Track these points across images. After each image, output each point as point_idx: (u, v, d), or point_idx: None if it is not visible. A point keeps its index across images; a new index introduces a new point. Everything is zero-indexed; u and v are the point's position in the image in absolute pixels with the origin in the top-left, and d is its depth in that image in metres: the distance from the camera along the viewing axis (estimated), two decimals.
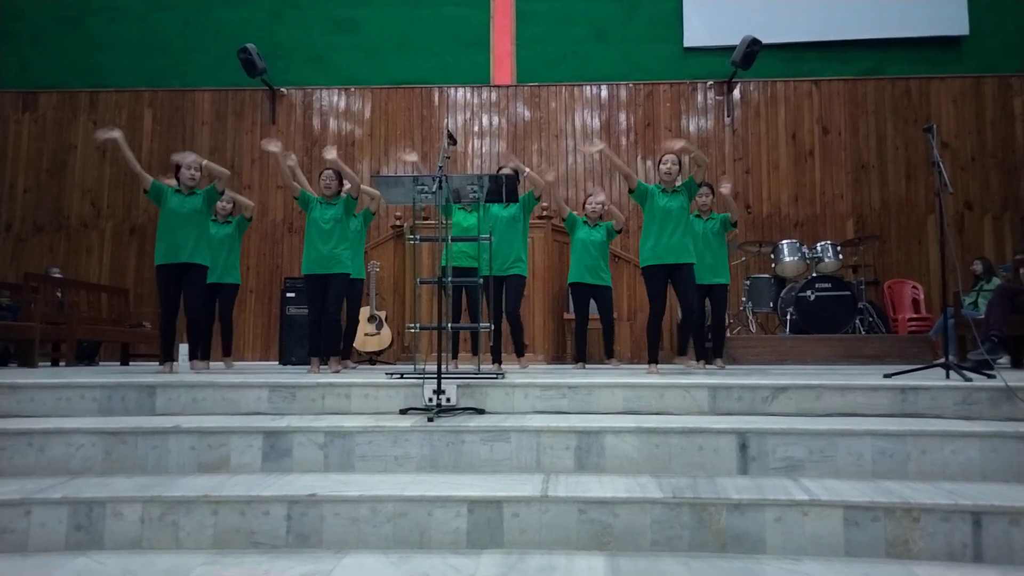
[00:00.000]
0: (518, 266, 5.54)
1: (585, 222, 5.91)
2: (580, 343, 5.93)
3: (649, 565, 2.62)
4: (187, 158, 5.19)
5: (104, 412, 3.72)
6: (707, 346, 5.84)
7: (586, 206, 5.95)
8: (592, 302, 5.96)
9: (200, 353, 5.38)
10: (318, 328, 5.14)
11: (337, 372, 4.93)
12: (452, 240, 4.21)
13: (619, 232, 6.04)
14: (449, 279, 3.99)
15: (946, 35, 9.44)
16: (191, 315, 5.14)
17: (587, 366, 5.91)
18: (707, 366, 5.62)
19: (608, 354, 6.06)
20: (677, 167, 5.11)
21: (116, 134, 5.02)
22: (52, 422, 3.47)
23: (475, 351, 5.39)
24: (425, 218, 7.59)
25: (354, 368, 5.79)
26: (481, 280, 4.27)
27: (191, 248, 5.05)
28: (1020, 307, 4.91)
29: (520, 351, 5.70)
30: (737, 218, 5.86)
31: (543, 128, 9.72)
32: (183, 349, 5.09)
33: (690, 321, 5.15)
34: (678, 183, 5.10)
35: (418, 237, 4.03)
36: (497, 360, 5.40)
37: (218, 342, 6.14)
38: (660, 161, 5.15)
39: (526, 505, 2.80)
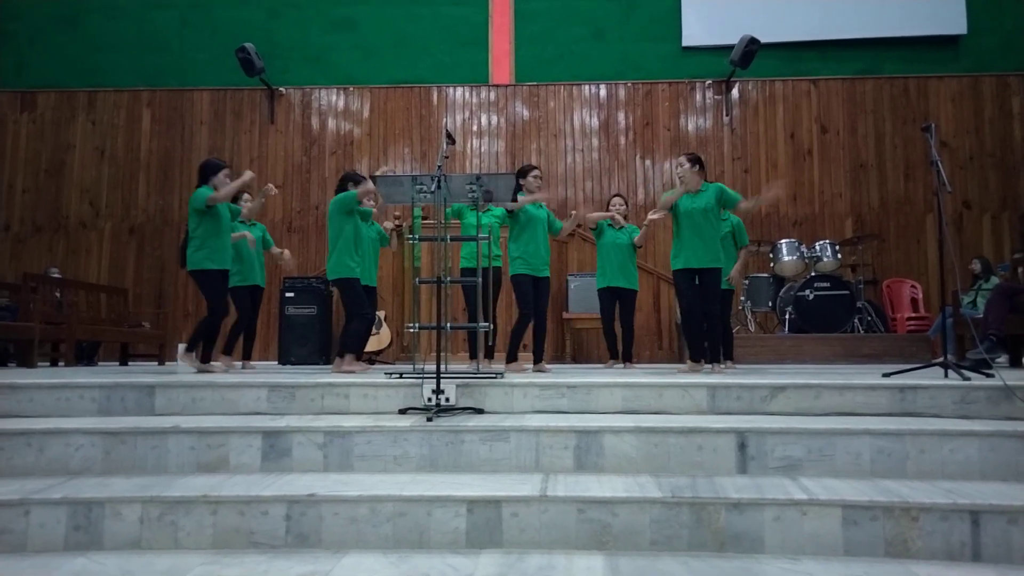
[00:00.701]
0: (547, 269, 5.48)
1: (610, 225, 5.96)
2: (612, 342, 6.14)
3: (648, 564, 2.62)
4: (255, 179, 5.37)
5: (103, 412, 3.72)
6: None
7: (610, 207, 6.03)
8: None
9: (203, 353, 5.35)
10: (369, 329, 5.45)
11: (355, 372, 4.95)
12: (452, 240, 4.21)
13: (639, 246, 6.14)
14: (448, 279, 3.98)
15: (944, 34, 9.45)
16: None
17: (585, 366, 5.91)
18: (706, 365, 5.60)
19: (627, 357, 6.08)
20: (687, 166, 5.00)
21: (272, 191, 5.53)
22: (51, 422, 3.46)
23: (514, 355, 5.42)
24: (425, 217, 7.58)
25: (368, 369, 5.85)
26: (478, 280, 4.27)
27: (231, 255, 5.26)
28: (1018, 306, 4.92)
29: (541, 356, 5.47)
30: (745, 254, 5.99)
31: (542, 127, 9.72)
32: (182, 348, 5.08)
33: (712, 324, 5.04)
34: (699, 185, 5.00)
35: (417, 236, 4.03)
36: (514, 358, 5.36)
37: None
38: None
39: (525, 505, 2.81)
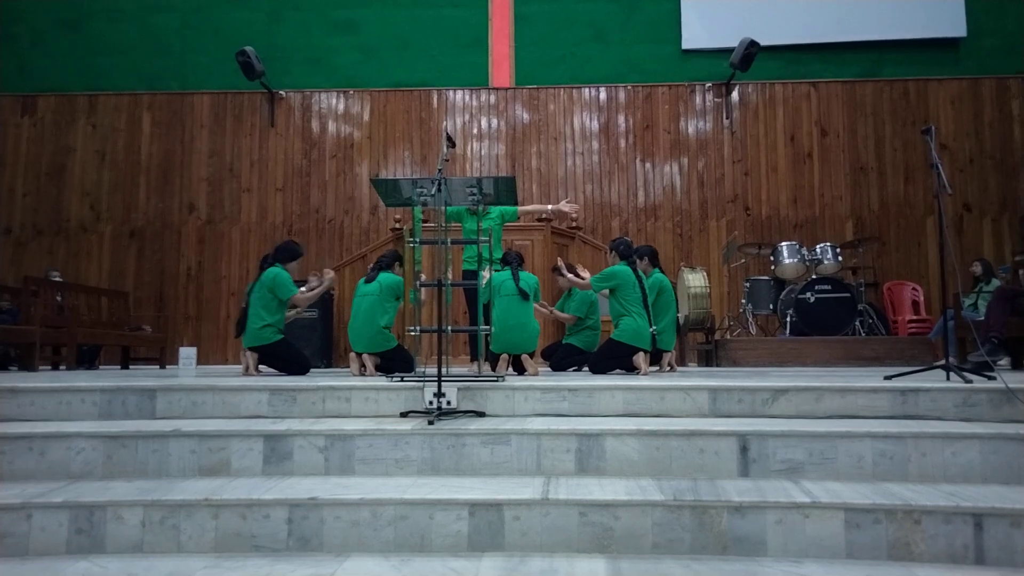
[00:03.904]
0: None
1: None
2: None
3: (650, 568, 2.62)
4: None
5: (104, 416, 3.71)
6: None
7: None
8: None
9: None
10: None
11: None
12: (452, 243, 4.21)
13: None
14: (449, 282, 3.98)
15: (944, 37, 9.47)
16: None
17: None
18: None
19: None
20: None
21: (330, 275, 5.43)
22: (52, 426, 3.46)
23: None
24: (425, 221, 7.58)
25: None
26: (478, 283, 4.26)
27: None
28: (1020, 308, 4.92)
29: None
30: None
31: (542, 130, 9.73)
32: (184, 352, 5.09)
33: None
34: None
35: (417, 240, 4.03)
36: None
37: None
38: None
39: (527, 508, 2.80)
